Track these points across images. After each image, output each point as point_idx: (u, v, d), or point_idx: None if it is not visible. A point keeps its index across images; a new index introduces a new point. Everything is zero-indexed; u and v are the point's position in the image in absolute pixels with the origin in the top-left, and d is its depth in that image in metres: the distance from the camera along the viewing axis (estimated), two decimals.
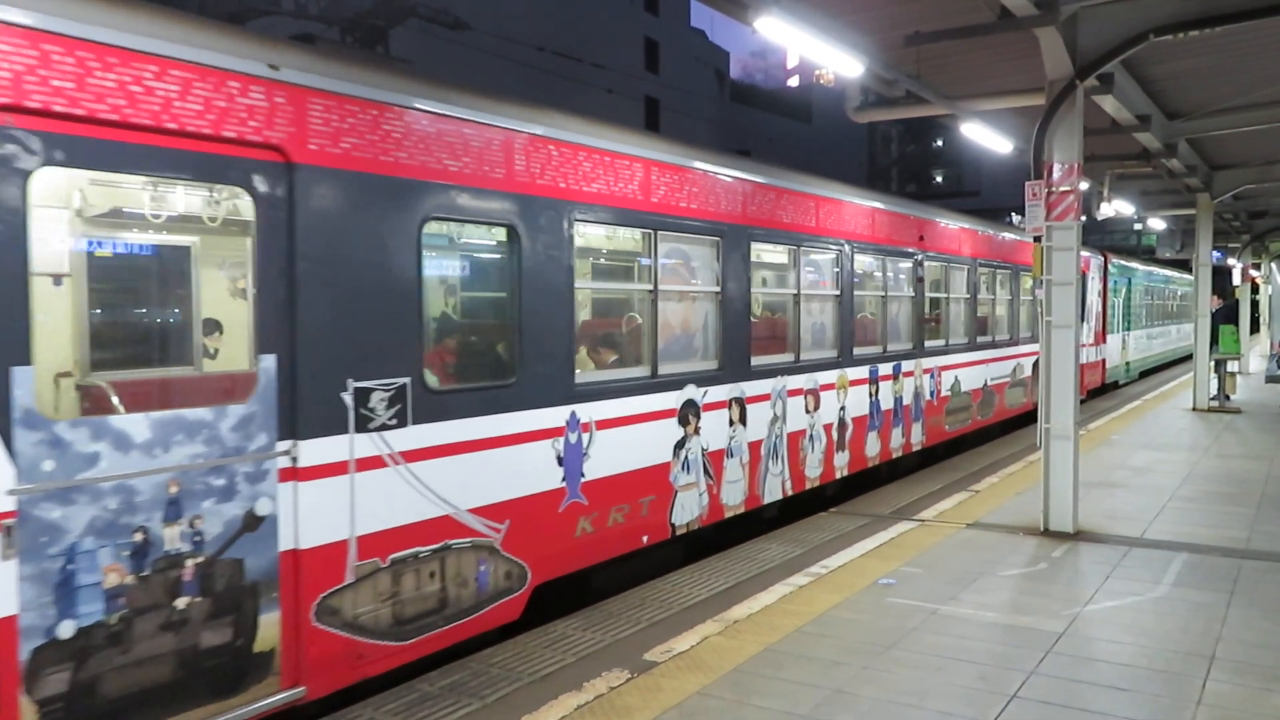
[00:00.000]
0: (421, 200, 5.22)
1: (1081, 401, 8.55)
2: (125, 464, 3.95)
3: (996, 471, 11.30)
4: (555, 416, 6.17)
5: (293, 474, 4.57)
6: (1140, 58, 9.65)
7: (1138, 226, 32.74)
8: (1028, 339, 15.83)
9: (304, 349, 4.61)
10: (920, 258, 11.77)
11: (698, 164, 7.59)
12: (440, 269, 6.16)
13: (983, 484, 10.50)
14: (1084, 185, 14.28)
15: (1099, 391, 21.66)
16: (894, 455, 11.27)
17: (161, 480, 4.07)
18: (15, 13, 3.64)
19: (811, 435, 9.30)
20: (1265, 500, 9.55)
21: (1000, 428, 15.39)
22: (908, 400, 11.50)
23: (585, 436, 6.42)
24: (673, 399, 7.31)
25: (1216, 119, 12.49)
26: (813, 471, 9.36)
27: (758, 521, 8.82)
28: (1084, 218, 9.41)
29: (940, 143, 67.90)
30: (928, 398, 12.08)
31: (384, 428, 5.00)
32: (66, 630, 3.78)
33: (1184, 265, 30.08)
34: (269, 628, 4.47)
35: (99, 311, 5.31)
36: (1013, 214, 22.21)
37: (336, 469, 4.76)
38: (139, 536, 3.99)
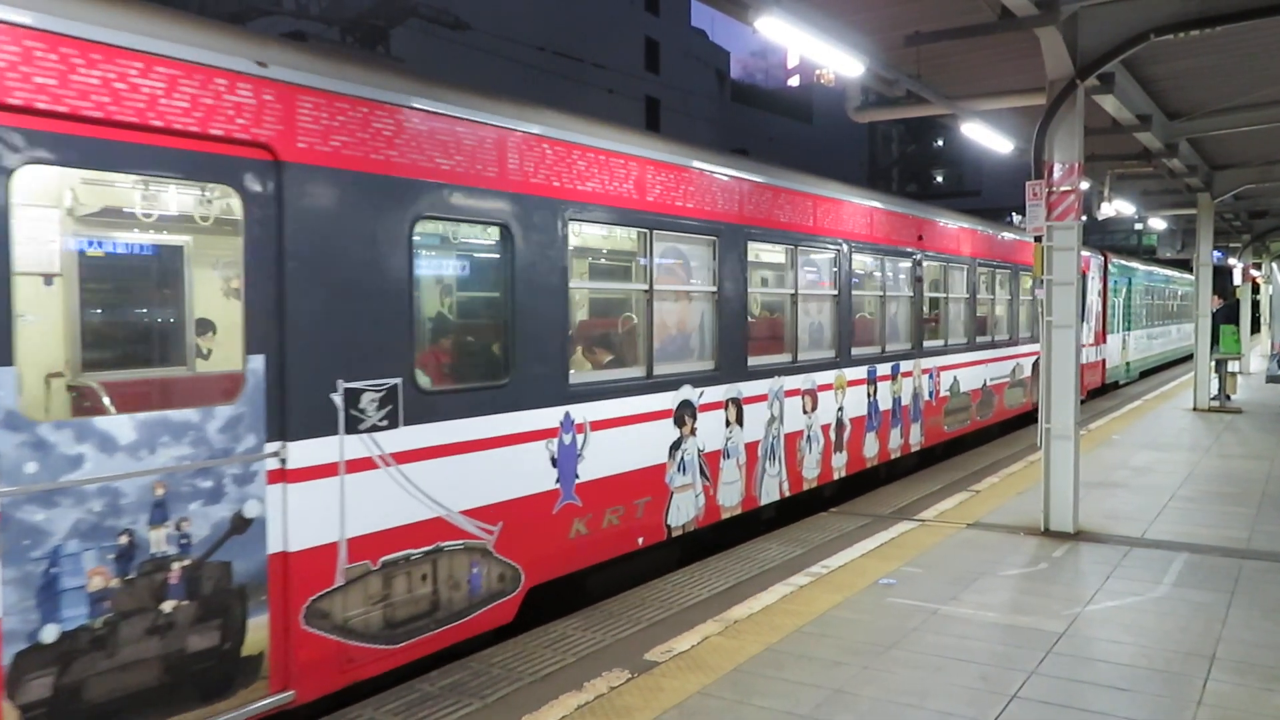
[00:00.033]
0: (412, 199, 5.17)
1: (1081, 402, 8.54)
2: (110, 466, 3.91)
3: (997, 471, 11.29)
4: (549, 417, 6.12)
5: (281, 476, 4.52)
6: (1141, 57, 9.65)
7: (1138, 226, 32.74)
8: (1027, 339, 15.79)
9: (293, 349, 4.56)
10: (919, 257, 11.72)
11: (694, 163, 7.54)
12: (432, 268, 6.11)
13: (983, 484, 10.49)
14: (1085, 185, 14.27)
15: (1099, 392, 21.63)
16: (892, 456, 11.21)
17: (147, 482, 4.02)
18: None
19: (809, 436, 9.25)
20: (1266, 500, 9.54)
21: (999, 428, 15.34)
22: (906, 401, 11.45)
23: (580, 437, 6.37)
24: (668, 400, 7.26)
25: (1217, 119, 12.48)
26: (810, 473, 9.32)
27: (755, 523, 8.78)
28: (1084, 217, 9.41)
29: (941, 143, 67.87)
30: (926, 398, 12.03)
31: (375, 429, 4.95)
32: (50, 634, 3.73)
33: (1185, 265, 30.07)
34: (257, 631, 4.43)
35: (91, 312, 5.26)
36: (1013, 214, 22.23)
37: (326, 471, 4.71)
38: (124, 539, 3.94)
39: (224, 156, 4.31)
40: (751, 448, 8.31)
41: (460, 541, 5.47)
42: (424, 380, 5.37)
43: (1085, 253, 16.91)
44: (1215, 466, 11.50)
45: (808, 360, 9.26)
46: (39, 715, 3.71)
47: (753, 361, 8.31)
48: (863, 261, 10.53)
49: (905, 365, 11.42)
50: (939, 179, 70.35)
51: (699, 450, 7.60)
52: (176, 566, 4.12)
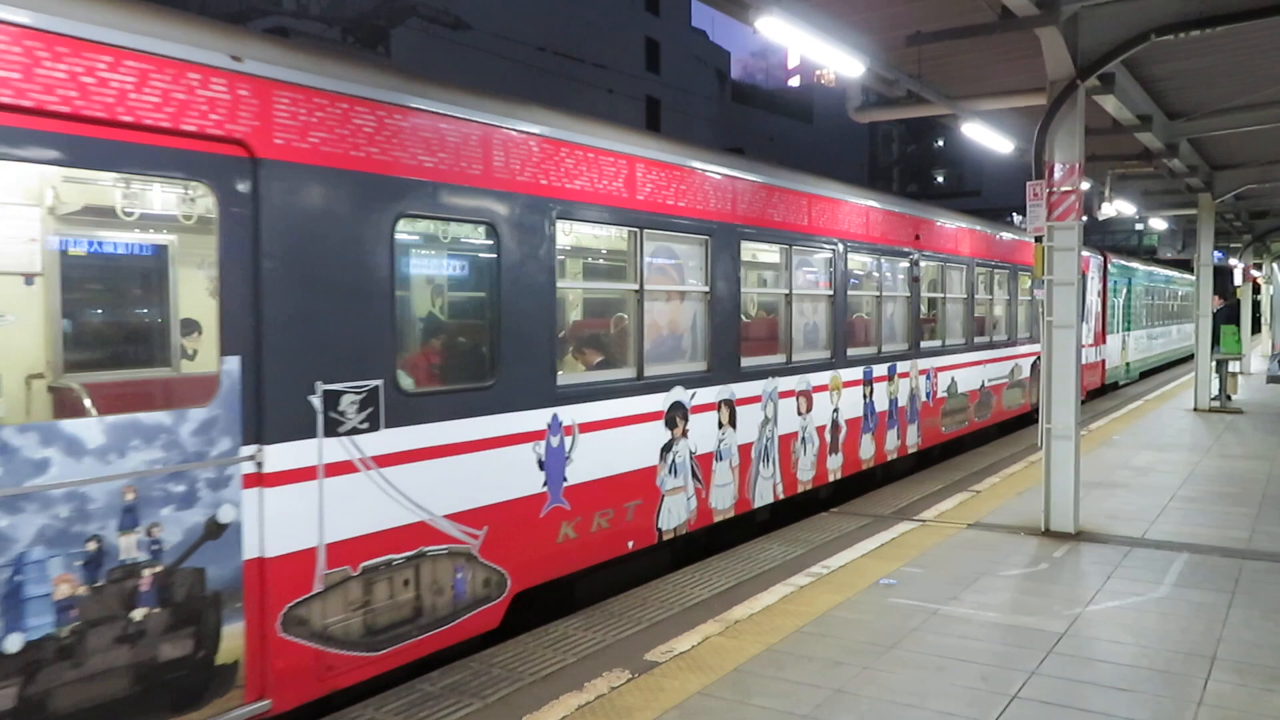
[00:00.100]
0: (394, 197, 5.08)
1: (1081, 403, 8.54)
2: (77, 470, 3.81)
3: (997, 472, 11.28)
4: (536, 419, 6.02)
5: (258, 480, 4.42)
6: (1141, 57, 9.64)
7: (1139, 226, 32.78)
8: (1026, 339, 15.73)
9: (269, 350, 4.47)
10: (916, 257, 11.63)
11: (686, 161, 7.44)
12: (416, 268, 6.01)
13: (984, 484, 10.48)
14: (1085, 185, 14.25)
15: (1099, 392, 21.59)
16: (889, 458, 11.12)
17: (116, 487, 3.93)
18: None
19: (804, 438, 9.15)
20: (1266, 500, 9.53)
21: (998, 429, 15.25)
22: (903, 402, 11.35)
23: (568, 440, 6.27)
24: (659, 401, 7.16)
25: (1218, 119, 12.47)
26: (805, 475, 9.22)
27: (749, 526, 8.69)
28: (1085, 218, 9.40)
29: (941, 143, 67.86)
30: (923, 399, 11.93)
31: (355, 431, 4.85)
32: (14, 644, 3.63)
33: (1185, 265, 30.06)
34: (232, 639, 4.33)
35: (73, 312, 5.18)
36: (1014, 214, 22.24)
37: (304, 474, 4.62)
38: (92, 545, 3.84)
39: (197, 153, 4.21)
40: (745, 450, 8.22)
41: (444, 546, 5.37)
42: (407, 382, 5.28)
43: (1085, 253, 16.87)
44: (1216, 467, 11.49)
45: (802, 361, 9.17)
46: None
47: (746, 362, 8.22)
48: (859, 261, 10.44)
49: (902, 366, 11.33)
50: (939, 179, 70.34)
51: (691, 452, 7.51)
52: (147, 573, 4.02)
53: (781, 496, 8.83)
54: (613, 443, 6.69)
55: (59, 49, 3.76)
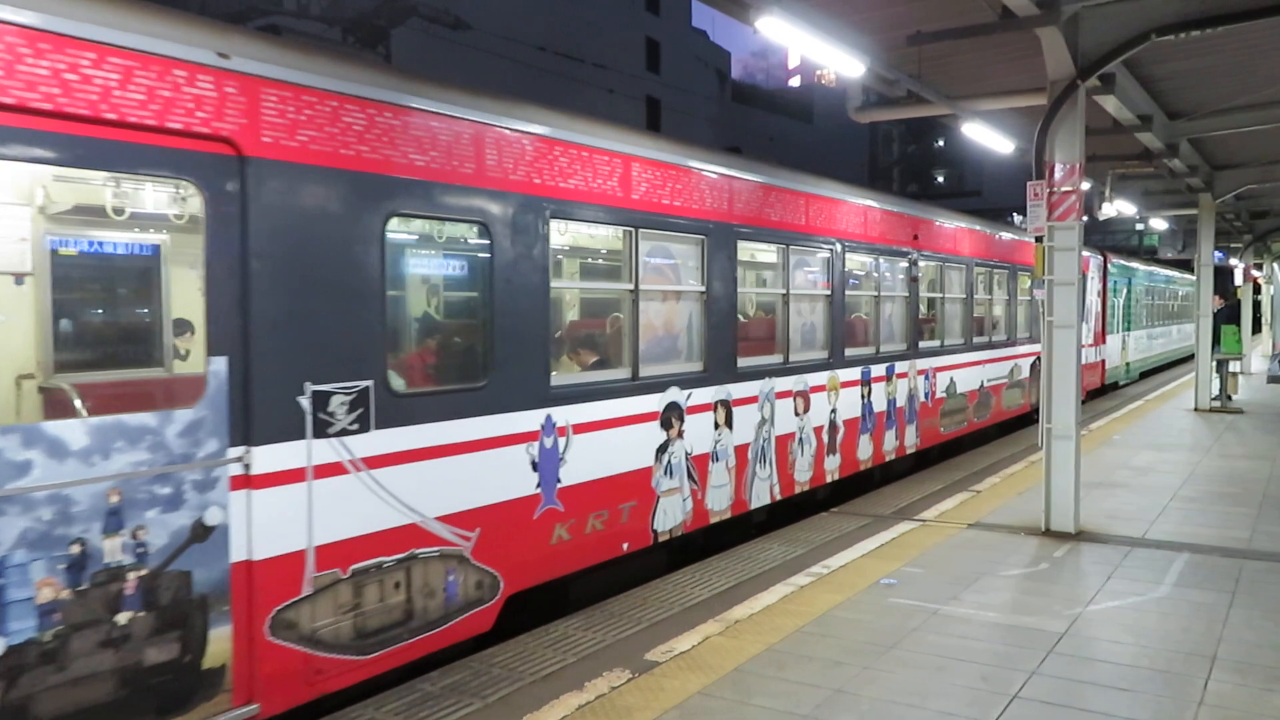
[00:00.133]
0: (385, 196, 5.03)
1: (1081, 403, 8.54)
2: (60, 472, 3.75)
3: (998, 472, 11.27)
4: (529, 420, 5.96)
5: (245, 482, 4.37)
6: (1142, 58, 9.64)
7: (1139, 226, 32.76)
8: (1025, 339, 15.69)
9: (257, 351, 4.41)
10: (914, 257, 11.58)
11: (681, 160, 7.39)
12: (407, 267, 5.96)
13: (984, 484, 10.48)
14: (1085, 185, 14.27)
15: (1099, 393, 21.56)
16: (887, 458, 11.06)
17: (100, 489, 3.87)
18: None
19: (801, 438, 9.10)
20: (1267, 500, 9.53)
21: (997, 430, 15.21)
22: (901, 402, 11.30)
23: (562, 441, 6.22)
24: (654, 402, 7.10)
25: (1218, 119, 12.47)
26: (802, 475, 9.17)
27: (745, 527, 8.65)
28: (1085, 218, 9.40)
29: (942, 143, 67.84)
30: (922, 399, 11.88)
31: (344, 433, 4.80)
32: None
33: (1186, 265, 30.07)
34: (219, 643, 4.28)
35: (63, 312, 5.13)
36: (1014, 214, 22.22)
37: (292, 476, 4.57)
38: (76, 548, 3.79)
39: (183, 151, 4.16)
40: (741, 450, 8.16)
41: (436, 548, 5.32)
42: (398, 382, 5.23)
43: (1084, 253, 16.90)
44: (1216, 467, 11.48)
45: (800, 361, 9.12)
46: None
47: (743, 363, 8.16)
48: (857, 261, 10.39)
49: (900, 366, 11.28)
50: (940, 179, 70.33)
51: (686, 453, 7.46)
52: (132, 576, 3.97)
53: (779, 498, 8.78)
54: (607, 444, 6.64)
55: (41, 45, 3.71)
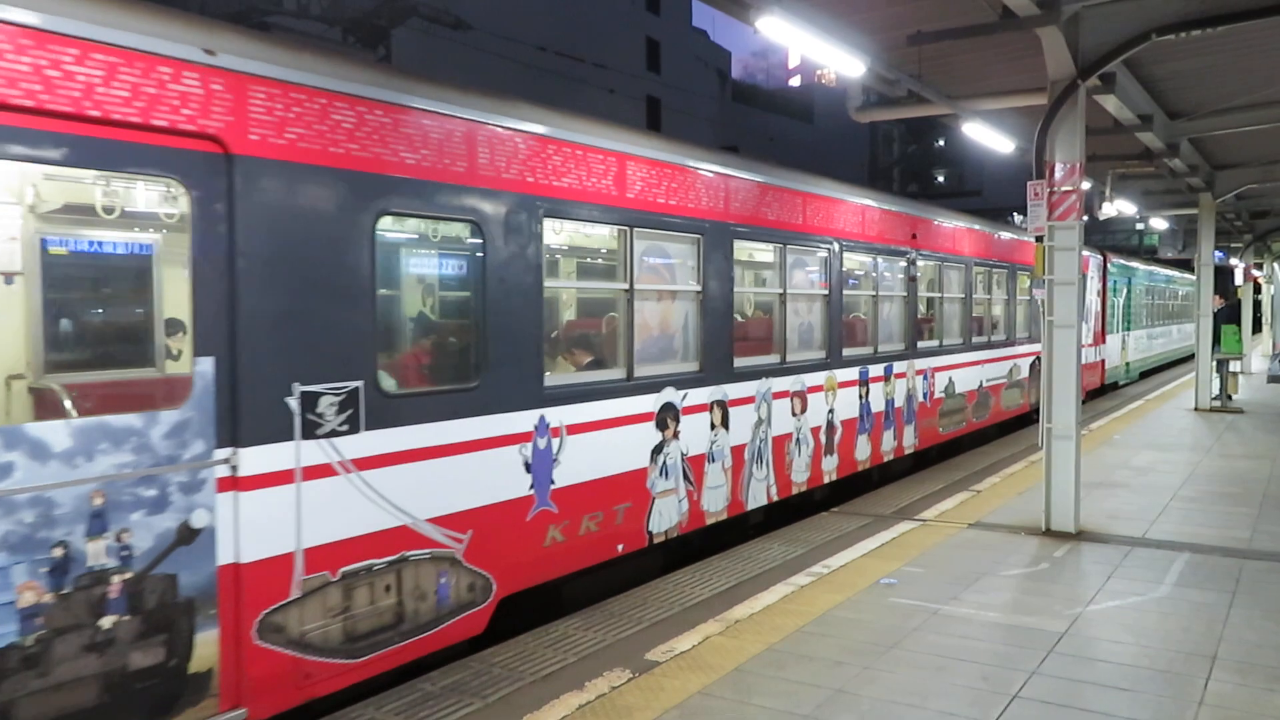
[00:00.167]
0: (375, 194, 4.98)
1: (1081, 403, 8.54)
2: (42, 475, 3.70)
3: (998, 471, 11.26)
4: (523, 421, 5.91)
5: (233, 484, 4.33)
6: (1142, 57, 9.63)
7: (1140, 226, 32.76)
8: (1025, 339, 15.65)
9: (245, 351, 4.37)
10: (913, 256, 11.54)
11: (677, 158, 7.34)
12: (398, 266, 5.91)
13: (984, 484, 10.47)
14: (1086, 185, 14.27)
15: (1098, 392, 21.54)
16: (885, 459, 11.01)
17: (84, 491, 3.82)
18: None
19: (798, 439, 9.05)
20: (1267, 500, 9.52)
21: (996, 430, 15.16)
22: (899, 402, 11.25)
23: (555, 442, 6.17)
24: (650, 402, 7.05)
25: (1219, 119, 12.46)
26: (799, 476, 9.12)
27: (742, 529, 8.62)
28: (1086, 217, 9.40)
29: (942, 143, 67.80)
30: (920, 400, 11.83)
31: (334, 434, 4.75)
32: None
33: (1186, 265, 30.07)
34: (206, 647, 4.23)
35: (54, 311, 5.07)
36: (1014, 213, 22.21)
37: (281, 478, 4.51)
38: (58, 551, 3.74)
39: (168, 149, 4.10)
40: (737, 451, 8.11)
41: (427, 551, 5.27)
42: (389, 383, 5.18)
43: (1084, 252, 16.90)
44: (1217, 466, 11.47)
45: (797, 361, 9.07)
46: None
47: (739, 363, 8.11)
48: (855, 261, 10.34)
49: (898, 366, 11.23)
50: (940, 179, 70.30)
51: (682, 454, 7.41)
52: (117, 580, 3.92)
53: (775, 498, 8.73)
54: (602, 445, 6.59)
55: (22, 41, 3.67)
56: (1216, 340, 17.40)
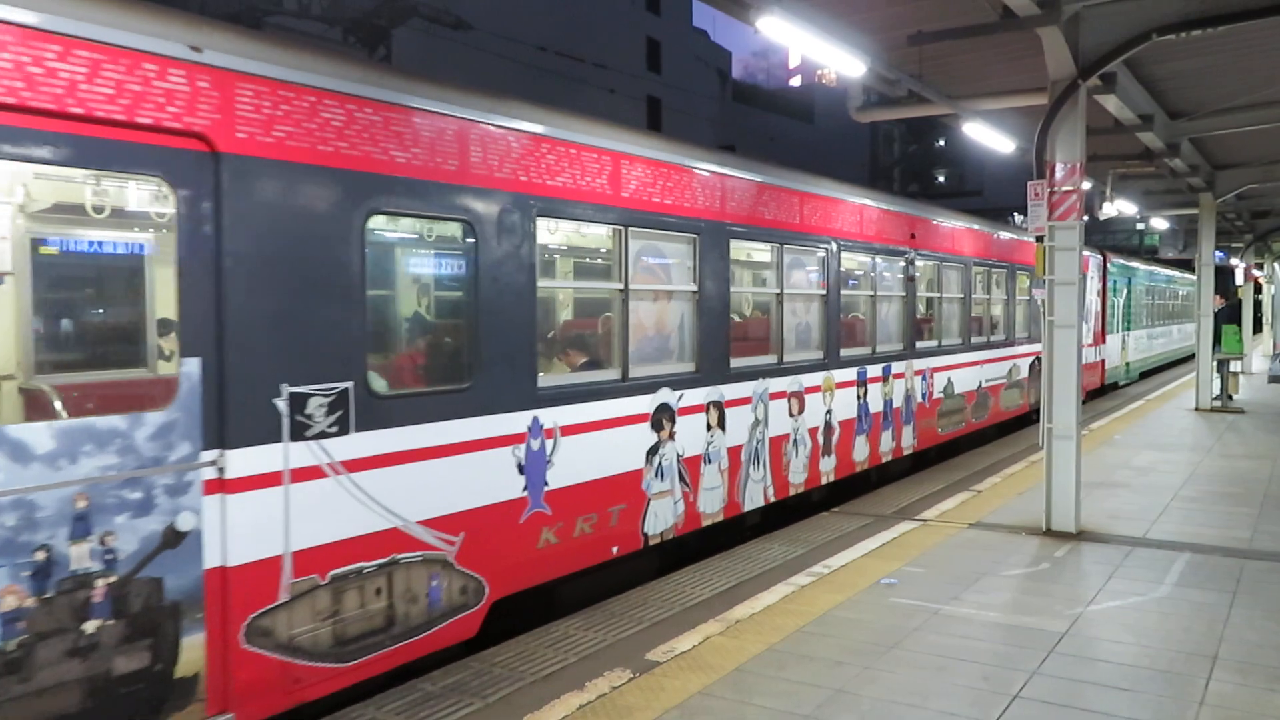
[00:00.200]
0: (365, 193, 4.92)
1: (1081, 402, 8.54)
2: (23, 477, 3.65)
3: (998, 472, 11.25)
4: (516, 422, 5.86)
5: (219, 486, 4.28)
6: (1143, 57, 9.62)
7: (1140, 226, 32.76)
8: (1024, 339, 15.61)
9: (231, 352, 4.32)
10: (911, 256, 11.49)
11: (672, 157, 7.28)
12: (389, 266, 5.85)
13: (984, 484, 10.46)
14: (1086, 185, 14.25)
15: (1098, 393, 21.51)
16: (883, 460, 10.96)
17: (67, 494, 3.77)
18: None
19: (795, 440, 8.99)
20: (1268, 500, 9.51)
21: (996, 430, 15.11)
22: (898, 403, 11.19)
23: (549, 443, 6.11)
24: (645, 403, 6.99)
25: (1219, 118, 12.45)
26: (797, 477, 9.06)
27: (739, 530, 8.57)
28: (1086, 217, 9.40)
29: (942, 142, 67.82)
30: (919, 400, 11.78)
31: (323, 435, 4.69)
32: None
33: (1186, 265, 30.07)
34: (192, 651, 4.18)
35: (45, 311, 5.04)
36: (1015, 213, 22.20)
37: (269, 480, 4.46)
38: (41, 555, 3.69)
39: (154, 147, 4.05)
40: (734, 452, 8.05)
41: (418, 553, 5.22)
42: (379, 384, 5.13)
43: (1085, 252, 16.88)
44: (1217, 466, 11.45)
45: (795, 362, 9.01)
46: None
47: (736, 363, 8.06)
48: (853, 260, 10.29)
49: (897, 366, 11.18)
50: (940, 179, 70.32)
51: (678, 455, 7.35)
52: (101, 583, 3.87)
53: (772, 499, 8.68)
54: (596, 446, 6.53)
55: (3, 38, 3.62)
56: (1217, 340, 17.39)
